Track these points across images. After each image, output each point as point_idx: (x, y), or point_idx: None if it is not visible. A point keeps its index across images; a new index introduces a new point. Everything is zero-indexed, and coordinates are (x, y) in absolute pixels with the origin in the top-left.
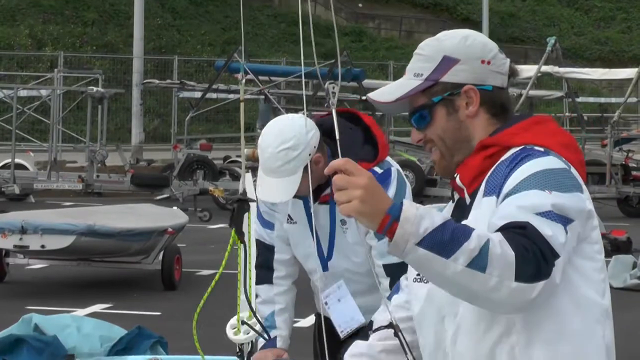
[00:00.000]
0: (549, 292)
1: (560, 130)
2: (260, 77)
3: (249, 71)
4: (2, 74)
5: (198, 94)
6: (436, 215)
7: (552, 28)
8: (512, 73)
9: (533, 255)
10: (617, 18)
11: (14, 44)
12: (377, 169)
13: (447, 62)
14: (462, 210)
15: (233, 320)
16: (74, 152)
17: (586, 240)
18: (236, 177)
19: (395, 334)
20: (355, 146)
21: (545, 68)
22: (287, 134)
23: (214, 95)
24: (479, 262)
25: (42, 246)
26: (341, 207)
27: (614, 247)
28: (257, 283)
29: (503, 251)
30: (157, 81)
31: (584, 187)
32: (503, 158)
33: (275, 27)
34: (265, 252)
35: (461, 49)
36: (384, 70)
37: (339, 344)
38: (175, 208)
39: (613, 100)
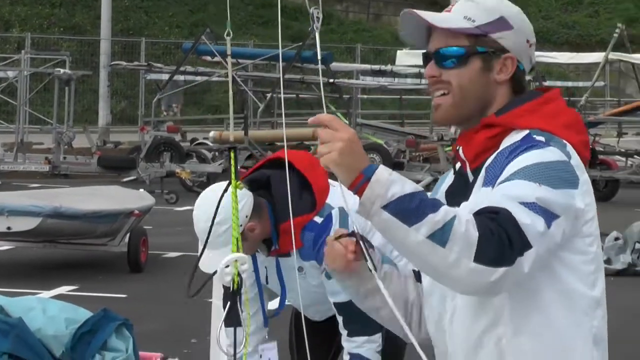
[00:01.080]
0: (514, 280)
1: (564, 110)
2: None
3: (217, 53)
4: None
5: (165, 76)
6: (408, 183)
7: None
8: (532, 67)
9: (498, 239)
10: (584, 2)
11: None
12: (317, 219)
13: (503, 24)
14: (464, 182)
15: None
16: (41, 133)
17: (577, 235)
18: (203, 160)
19: (357, 242)
20: (293, 197)
21: None
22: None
23: (181, 78)
24: (441, 236)
25: (8, 228)
26: (321, 158)
27: None
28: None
29: (467, 230)
30: (124, 63)
31: (580, 180)
32: (505, 145)
33: (243, 9)
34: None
35: (518, 20)
36: (351, 53)
37: (320, 342)
38: (141, 190)
39: (580, 84)
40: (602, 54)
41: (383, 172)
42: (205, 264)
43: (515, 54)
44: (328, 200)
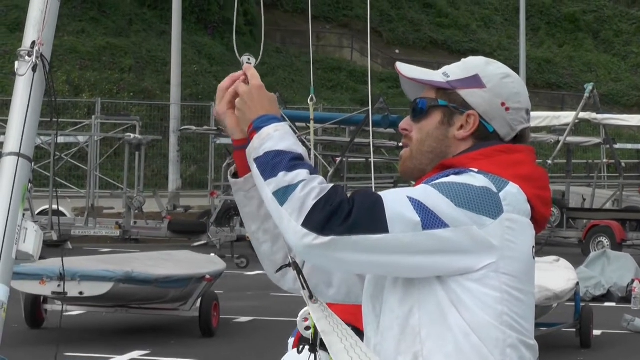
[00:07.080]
0: (359, 260)
1: (527, 163)
2: (297, 124)
3: (286, 118)
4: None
5: None
6: (286, 141)
7: (589, 74)
8: (523, 137)
9: (332, 210)
10: None
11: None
12: None
13: (474, 81)
14: None
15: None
16: (111, 198)
17: (490, 268)
18: None
19: (296, 270)
20: None
21: (583, 114)
22: None
23: None
24: (282, 195)
25: (81, 293)
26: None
27: None
28: None
29: (307, 195)
30: (194, 128)
31: (504, 215)
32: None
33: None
34: None
35: (494, 80)
36: None
37: None
38: (212, 255)
39: None
40: None
41: (269, 127)
42: None
43: (482, 113)
44: None
